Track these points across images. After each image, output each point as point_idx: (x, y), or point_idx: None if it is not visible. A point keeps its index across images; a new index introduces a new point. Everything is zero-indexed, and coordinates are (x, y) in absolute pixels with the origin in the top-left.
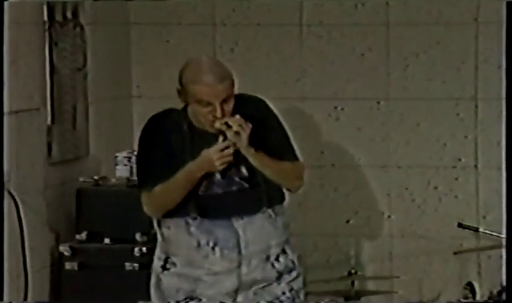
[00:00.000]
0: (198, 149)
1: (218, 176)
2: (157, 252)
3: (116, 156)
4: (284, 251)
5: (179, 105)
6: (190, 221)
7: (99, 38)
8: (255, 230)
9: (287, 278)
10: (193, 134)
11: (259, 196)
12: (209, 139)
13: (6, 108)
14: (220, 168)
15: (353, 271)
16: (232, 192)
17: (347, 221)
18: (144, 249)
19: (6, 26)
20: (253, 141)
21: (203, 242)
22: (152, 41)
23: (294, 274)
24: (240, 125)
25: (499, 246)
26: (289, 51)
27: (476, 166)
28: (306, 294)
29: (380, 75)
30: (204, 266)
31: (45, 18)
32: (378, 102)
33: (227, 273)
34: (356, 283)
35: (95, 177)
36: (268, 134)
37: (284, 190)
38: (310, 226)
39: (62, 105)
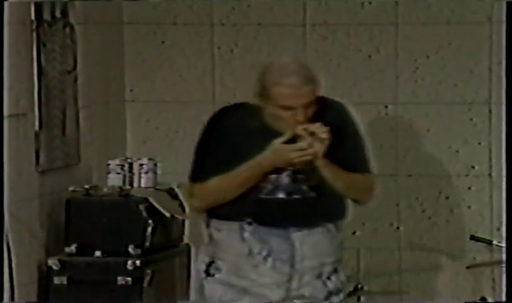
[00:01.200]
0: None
1: (286, 180)
2: (201, 254)
3: (108, 164)
4: (336, 270)
5: (170, 109)
6: (245, 226)
7: (90, 38)
8: (312, 244)
9: (335, 299)
10: (265, 134)
11: (324, 208)
12: None
13: None
14: (297, 161)
15: (359, 286)
16: (296, 200)
17: (354, 233)
18: (137, 262)
19: (6, 26)
20: (329, 149)
21: (255, 250)
22: (146, 42)
23: (341, 296)
24: (323, 134)
25: None
26: (292, 52)
27: (490, 174)
28: None
29: (388, 78)
30: (251, 276)
31: (33, 17)
32: (386, 106)
33: (276, 286)
34: (362, 298)
35: (86, 186)
36: (344, 143)
37: (348, 204)
38: None
39: (51, 110)
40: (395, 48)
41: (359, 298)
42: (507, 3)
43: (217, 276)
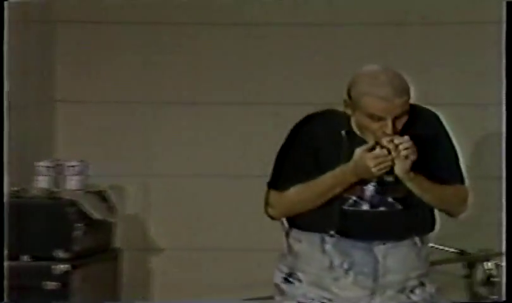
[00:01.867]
0: None
1: (371, 191)
2: (279, 265)
3: (37, 166)
4: (422, 283)
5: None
6: (327, 238)
7: (20, 37)
8: (397, 258)
9: None
10: (352, 143)
11: (411, 221)
12: None
13: None
14: (378, 173)
15: None
16: (381, 213)
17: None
18: (66, 266)
19: (6, 26)
20: (416, 162)
21: (337, 262)
22: (79, 41)
23: None
24: (408, 150)
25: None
26: (230, 54)
27: None
28: None
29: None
30: (332, 289)
31: None
32: (320, 107)
33: (358, 300)
34: None
35: (14, 189)
36: (435, 154)
37: (437, 216)
38: (248, 241)
39: None
40: (332, 49)
41: None
42: (507, 3)
43: (297, 285)
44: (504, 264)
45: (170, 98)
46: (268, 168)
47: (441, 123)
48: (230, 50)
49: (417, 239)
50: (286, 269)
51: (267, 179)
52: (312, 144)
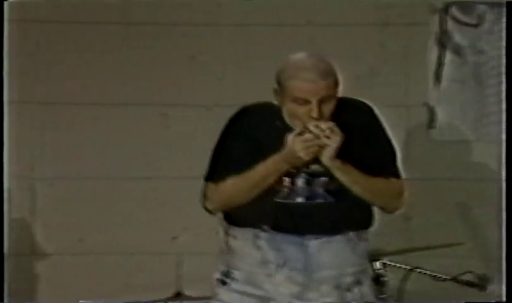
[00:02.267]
0: None
1: (302, 183)
2: (219, 264)
3: None
4: (359, 282)
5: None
6: (260, 233)
7: None
8: (331, 253)
9: None
10: (284, 134)
11: (344, 215)
12: None
13: None
14: (305, 157)
15: (179, 292)
16: (313, 206)
17: (175, 238)
18: None
19: (6, 26)
20: (346, 152)
21: (270, 258)
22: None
23: None
24: (331, 131)
25: None
26: (112, 52)
27: None
28: None
29: (211, 79)
30: (265, 286)
31: None
32: (210, 109)
33: (292, 298)
34: None
35: None
36: (366, 146)
37: (374, 213)
38: (134, 244)
39: None
40: (219, 49)
41: None
42: (507, 3)
43: (233, 286)
44: (504, 264)
45: (55, 99)
46: (153, 170)
47: (375, 115)
48: (114, 49)
49: (352, 234)
50: (222, 268)
51: (153, 181)
52: (247, 136)
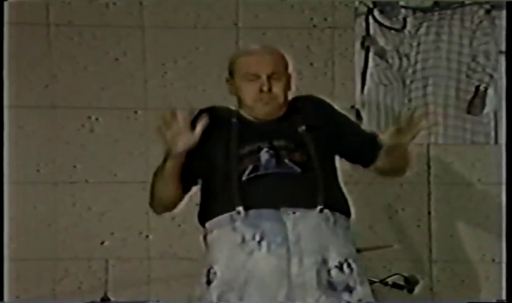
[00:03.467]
0: (245, 141)
1: (265, 156)
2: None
3: None
4: (349, 265)
5: None
6: (235, 215)
7: None
8: (307, 226)
9: (345, 296)
10: (242, 127)
11: (314, 187)
12: (257, 130)
13: None
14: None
15: (106, 298)
16: (281, 175)
17: (102, 243)
18: None
19: (6, 26)
20: (331, 147)
21: (248, 236)
22: None
23: (354, 297)
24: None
25: None
26: (36, 54)
27: None
28: None
29: (137, 82)
30: (248, 266)
31: None
32: (136, 112)
33: (276, 274)
34: None
35: None
36: (343, 133)
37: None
38: (61, 250)
39: None
40: (143, 51)
41: None
42: (507, 3)
43: (215, 282)
44: (504, 264)
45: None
46: (78, 174)
47: (327, 104)
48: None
49: (328, 213)
50: (205, 269)
51: (79, 185)
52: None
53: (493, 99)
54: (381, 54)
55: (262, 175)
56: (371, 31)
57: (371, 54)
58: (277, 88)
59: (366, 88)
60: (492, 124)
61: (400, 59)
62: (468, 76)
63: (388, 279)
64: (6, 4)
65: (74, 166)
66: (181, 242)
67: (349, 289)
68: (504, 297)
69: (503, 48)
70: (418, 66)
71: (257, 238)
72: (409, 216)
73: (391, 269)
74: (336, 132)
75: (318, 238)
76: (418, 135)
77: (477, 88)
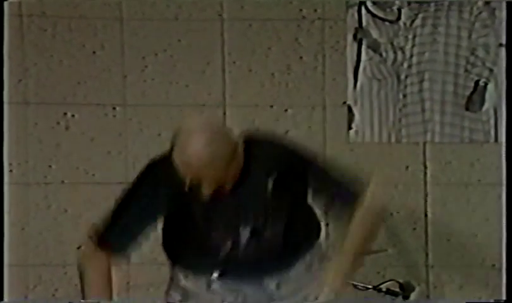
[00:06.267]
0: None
1: (246, 233)
2: (170, 291)
3: None
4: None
5: None
6: (211, 280)
7: None
8: (291, 284)
9: None
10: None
11: (296, 250)
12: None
13: None
14: None
15: None
16: (262, 253)
17: (78, 248)
18: None
19: (6, 26)
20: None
21: (229, 299)
22: None
23: None
24: None
25: None
26: (8, 47)
27: None
28: None
29: (115, 77)
30: None
31: None
32: (114, 108)
33: None
34: None
35: None
36: (310, 183)
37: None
38: (34, 255)
39: None
40: (121, 45)
41: None
42: (507, 3)
43: None
44: (504, 264)
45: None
46: (53, 174)
47: (284, 149)
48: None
49: (308, 257)
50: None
51: (54, 185)
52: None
53: (494, 95)
54: (374, 47)
55: (241, 250)
56: (364, 23)
57: (364, 47)
58: (224, 181)
59: (358, 83)
60: (492, 121)
61: (395, 52)
62: (466, 71)
63: (382, 286)
64: (5, 4)
65: (49, 166)
66: (161, 248)
67: None
68: (504, 297)
69: (503, 41)
70: (414, 60)
71: (239, 301)
72: (405, 219)
73: (385, 275)
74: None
75: (301, 287)
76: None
77: (476, 83)
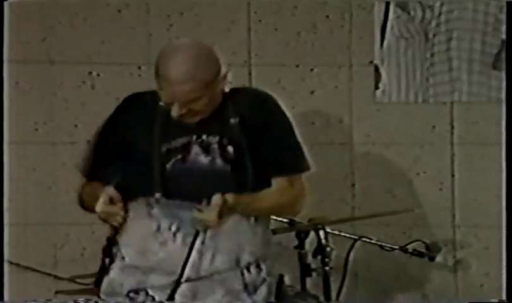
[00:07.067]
0: (174, 133)
1: (197, 149)
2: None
3: None
4: (258, 265)
5: None
6: (152, 201)
7: None
8: (227, 222)
9: (252, 296)
10: (166, 120)
11: (242, 186)
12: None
13: None
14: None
15: None
16: (208, 171)
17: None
18: None
19: (6, 26)
20: (250, 150)
21: (164, 225)
22: None
23: (259, 296)
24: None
25: None
26: (31, 7)
27: None
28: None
29: (140, 36)
30: (160, 254)
31: None
32: (140, 67)
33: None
34: None
35: None
36: (262, 142)
37: None
38: (61, 214)
39: None
40: (146, 3)
41: None
42: (507, 3)
43: (118, 263)
44: (504, 263)
45: None
46: (79, 133)
47: (265, 106)
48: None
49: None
50: (105, 243)
51: (80, 146)
52: (125, 129)
53: None
54: (403, 5)
55: (188, 168)
56: None
57: (392, 6)
58: (198, 106)
59: (385, 42)
60: None
61: (423, 10)
62: (494, 29)
63: (408, 246)
64: (5, 4)
65: (75, 126)
66: None
67: (255, 289)
68: (504, 297)
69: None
70: (442, 18)
71: (173, 228)
72: (431, 179)
73: (411, 236)
74: (259, 143)
75: (236, 236)
76: None
77: (504, 41)
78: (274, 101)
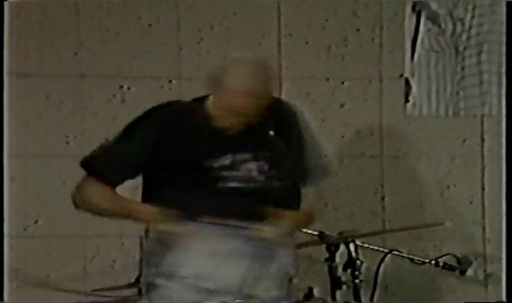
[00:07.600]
0: (217, 152)
1: (251, 165)
2: (148, 265)
3: None
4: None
5: None
6: (205, 225)
7: None
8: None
9: None
10: (208, 134)
11: (292, 201)
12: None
13: None
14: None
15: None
16: (260, 191)
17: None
18: None
19: (6, 26)
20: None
21: (217, 249)
22: None
23: None
24: None
25: None
26: (64, 22)
27: None
28: None
29: (170, 50)
30: (213, 279)
31: None
32: (170, 81)
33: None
34: None
35: None
36: (296, 157)
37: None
38: (91, 226)
39: None
40: (177, 17)
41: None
42: (507, 3)
43: (177, 279)
44: (504, 263)
45: None
46: None
47: (287, 116)
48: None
49: None
50: (157, 269)
51: None
52: (149, 138)
53: None
54: (433, 19)
55: (240, 186)
56: None
57: (422, 19)
58: (252, 118)
59: (416, 55)
60: None
61: (454, 23)
62: None
63: (439, 260)
64: (5, 4)
65: (106, 140)
66: None
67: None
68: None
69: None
70: (473, 31)
71: (226, 253)
72: (462, 192)
73: (442, 249)
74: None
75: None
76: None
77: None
78: (300, 111)
